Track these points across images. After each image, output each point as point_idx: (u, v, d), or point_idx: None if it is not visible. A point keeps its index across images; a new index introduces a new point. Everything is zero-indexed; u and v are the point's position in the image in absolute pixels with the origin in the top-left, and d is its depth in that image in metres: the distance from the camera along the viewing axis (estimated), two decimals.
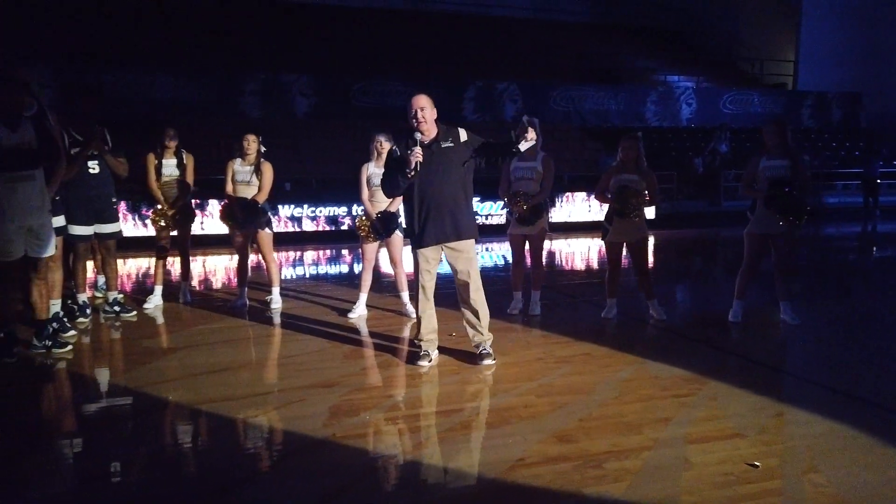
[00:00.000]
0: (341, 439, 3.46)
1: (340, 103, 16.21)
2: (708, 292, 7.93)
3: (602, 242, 6.06)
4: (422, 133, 4.36)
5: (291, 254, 10.39)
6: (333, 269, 9.32)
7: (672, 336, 5.56)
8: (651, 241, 11.89)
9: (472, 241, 4.58)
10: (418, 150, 4.24)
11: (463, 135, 4.47)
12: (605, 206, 6.00)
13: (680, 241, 12.64)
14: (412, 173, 4.26)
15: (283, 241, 11.20)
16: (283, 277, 8.26)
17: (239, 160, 6.19)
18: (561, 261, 10.30)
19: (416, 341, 4.72)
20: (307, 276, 8.82)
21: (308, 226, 11.84)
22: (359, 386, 4.23)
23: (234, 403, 3.93)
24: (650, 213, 14.48)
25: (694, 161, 16.89)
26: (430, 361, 4.61)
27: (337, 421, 3.67)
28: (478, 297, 4.61)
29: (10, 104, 4.58)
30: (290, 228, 11.76)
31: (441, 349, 4.82)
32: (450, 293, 4.86)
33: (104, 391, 4.42)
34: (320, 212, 11.80)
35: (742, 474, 3.07)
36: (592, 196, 6.63)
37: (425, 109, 4.38)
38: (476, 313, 4.63)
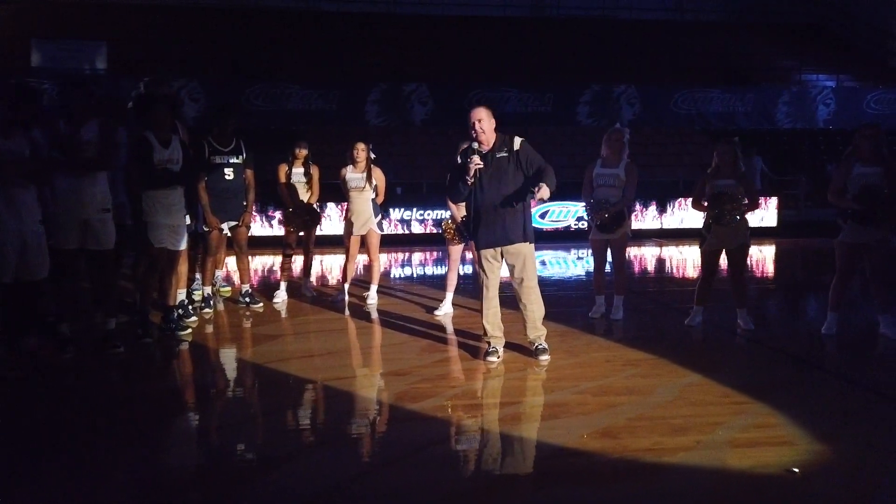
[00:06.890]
0: (398, 421, 3.82)
1: (456, 110, 16.71)
2: (811, 304, 7.55)
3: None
4: (480, 143, 4.65)
5: (396, 255, 10.94)
6: (430, 271, 9.75)
7: (753, 346, 5.44)
8: (771, 248, 11.55)
9: (525, 244, 4.76)
10: (477, 158, 4.53)
11: (516, 143, 4.70)
12: (702, 214, 5.88)
13: (800, 250, 11.97)
14: (471, 180, 4.56)
15: (392, 242, 11.80)
16: (384, 276, 8.80)
17: (350, 167, 6.73)
18: (665, 268, 10.12)
19: (484, 338, 4.99)
20: (405, 276, 9.33)
21: (416, 228, 12.38)
22: (427, 377, 4.57)
23: (315, 385, 4.44)
24: (771, 219, 13.90)
25: (827, 167, 15.79)
26: (498, 357, 4.86)
27: (399, 405, 4.03)
28: (532, 295, 4.82)
29: (165, 122, 5.28)
30: (399, 231, 12.34)
31: (515, 347, 5.05)
32: (508, 296, 5.07)
33: (219, 364, 5.12)
34: (428, 215, 12.31)
35: (775, 479, 3.09)
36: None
37: (483, 121, 4.65)
38: (530, 311, 4.83)
